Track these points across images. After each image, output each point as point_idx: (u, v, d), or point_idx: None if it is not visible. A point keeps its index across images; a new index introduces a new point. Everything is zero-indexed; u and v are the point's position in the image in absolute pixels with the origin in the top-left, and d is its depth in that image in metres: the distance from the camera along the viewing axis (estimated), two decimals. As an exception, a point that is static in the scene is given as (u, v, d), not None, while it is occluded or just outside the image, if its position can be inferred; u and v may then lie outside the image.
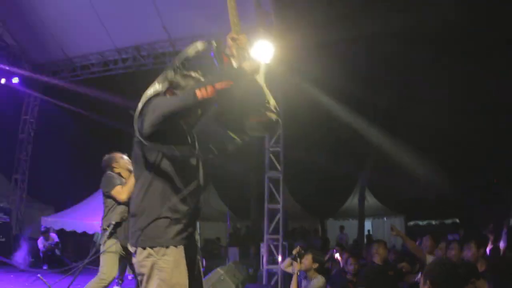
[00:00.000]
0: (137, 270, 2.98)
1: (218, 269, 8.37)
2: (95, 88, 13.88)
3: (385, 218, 24.41)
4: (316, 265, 6.45)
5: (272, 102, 2.94)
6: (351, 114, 16.54)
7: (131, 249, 3.01)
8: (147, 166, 2.95)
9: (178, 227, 2.93)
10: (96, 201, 11.90)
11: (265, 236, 11.11)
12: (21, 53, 14.27)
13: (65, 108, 15.14)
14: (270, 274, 10.97)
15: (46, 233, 13.54)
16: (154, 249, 2.87)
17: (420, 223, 28.21)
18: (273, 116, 2.90)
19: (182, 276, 2.92)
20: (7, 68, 13.51)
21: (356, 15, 14.83)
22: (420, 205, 24.47)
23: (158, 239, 2.89)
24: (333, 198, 25.50)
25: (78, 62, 14.19)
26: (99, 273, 5.35)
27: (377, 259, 6.85)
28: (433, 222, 27.62)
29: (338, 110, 14.78)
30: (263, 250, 11.18)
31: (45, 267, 12.52)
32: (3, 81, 13.88)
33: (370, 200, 23.62)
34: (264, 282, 10.84)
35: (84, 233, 14.10)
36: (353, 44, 15.68)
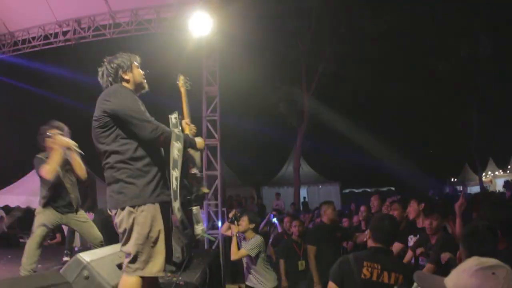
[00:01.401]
0: (119, 228, 3.55)
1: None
2: (37, 61, 13.79)
3: (320, 186, 25.08)
4: (252, 225, 6.85)
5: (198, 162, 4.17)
6: (287, 81, 16.80)
7: (112, 212, 3.61)
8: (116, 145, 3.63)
9: (151, 186, 3.53)
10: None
11: (205, 202, 11.39)
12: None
13: (6, 83, 14.98)
14: (211, 240, 11.26)
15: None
16: (134, 207, 3.47)
17: (356, 190, 29.01)
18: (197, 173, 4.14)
19: (157, 230, 3.51)
20: None
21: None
22: (355, 173, 25.21)
23: (137, 199, 3.45)
24: (268, 166, 25.90)
25: (20, 36, 14.04)
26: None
27: (325, 220, 7.29)
28: (368, 190, 28.41)
29: (274, 77, 14.99)
30: (203, 216, 11.36)
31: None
32: None
33: (305, 168, 24.16)
34: (205, 247, 11.09)
35: (28, 208, 14.05)
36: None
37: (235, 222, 6.85)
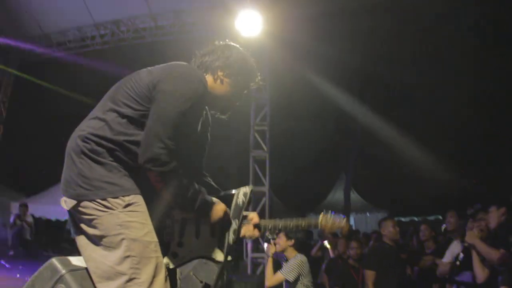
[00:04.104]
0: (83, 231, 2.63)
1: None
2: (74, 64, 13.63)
3: (367, 213, 24.54)
4: (291, 242, 6.17)
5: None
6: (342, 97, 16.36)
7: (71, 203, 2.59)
8: None
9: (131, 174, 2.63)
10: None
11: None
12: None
13: (41, 86, 14.73)
14: (255, 264, 10.70)
15: (23, 206, 12.84)
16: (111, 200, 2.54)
17: (403, 219, 28.45)
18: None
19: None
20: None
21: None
22: (402, 202, 24.54)
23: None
24: (314, 190, 25.45)
25: (55, 38, 13.77)
26: None
27: (386, 239, 6.39)
28: (416, 219, 27.85)
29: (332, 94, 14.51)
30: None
31: (11, 253, 12.04)
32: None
33: (352, 195, 23.65)
34: (249, 272, 10.54)
35: (56, 220, 13.77)
36: (347, 17, 15.45)
37: (272, 241, 6.23)
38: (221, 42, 3.08)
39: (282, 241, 6.12)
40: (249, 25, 10.11)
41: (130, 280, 2.45)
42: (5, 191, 16.54)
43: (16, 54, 14.43)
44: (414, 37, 18.06)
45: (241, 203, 3.02)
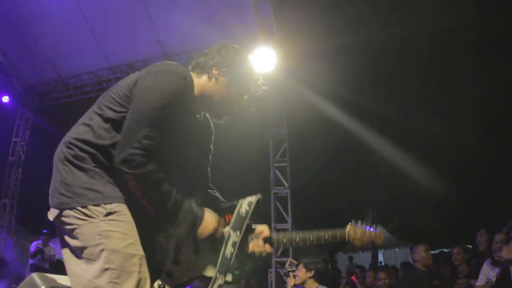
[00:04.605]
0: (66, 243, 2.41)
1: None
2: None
3: (396, 249, 23.82)
4: (311, 273, 5.78)
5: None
6: (357, 131, 16.25)
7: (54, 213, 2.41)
8: None
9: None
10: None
11: (273, 259, 10.37)
12: (12, 71, 14.07)
13: (58, 130, 14.86)
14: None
15: (46, 235, 12.55)
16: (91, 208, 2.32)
17: (433, 251, 27.86)
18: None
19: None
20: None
21: (360, 22, 14.70)
22: (429, 234, 24.05)
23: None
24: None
25: (71, 82, 14.01)
26: None
27: (418, 265, 6.18)
28: (445, 250, 27.30)
29: (346, 126, 14.39)
30: (271, 276, 10.45)
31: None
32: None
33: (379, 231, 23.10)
34: None
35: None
36: (357, 52, 15.46)
37: (290, 273, 5.99)
38: (219, 43, 2.84)
39: (301, 272, 5.78)
40: (263, 62, 10.12)
41: None
42: (26, 235, 16.48)
43: (33, 98, 14.66)
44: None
45: (244, 212, 2.68)
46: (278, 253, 10.37)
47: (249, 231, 2.72)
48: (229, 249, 2.56)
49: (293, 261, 6.15)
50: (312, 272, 5.75)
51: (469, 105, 18.37)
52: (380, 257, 23.00)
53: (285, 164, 11.02)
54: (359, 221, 2.99)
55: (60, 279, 2.98)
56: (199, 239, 2.56)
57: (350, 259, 20.47)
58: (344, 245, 24.48)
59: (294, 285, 5.86)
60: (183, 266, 2.57)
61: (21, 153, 14.93)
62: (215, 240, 2.59)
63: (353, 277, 9.29)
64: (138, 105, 2.39)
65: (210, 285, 2.51)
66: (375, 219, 21.40)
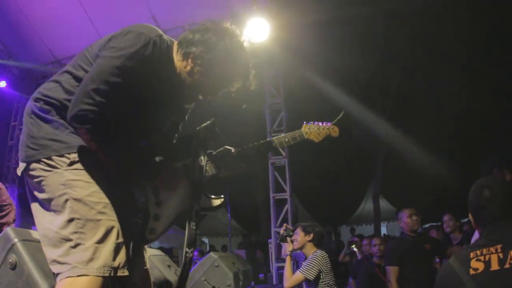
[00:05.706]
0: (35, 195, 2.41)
1: (211, 253, 6.49)
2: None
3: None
4: (310, 237, 5.55)
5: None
6: (357, 108, 16.13)
7: (22, 167, 2.43)
8: None
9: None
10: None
11: (272, 229, 10.45)
12: (8, 55, 14.05)
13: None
14: (281, 274, 10.42)
15: None
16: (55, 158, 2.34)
17: (435, 224, 27.74)
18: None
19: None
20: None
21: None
22: (434, 206, 23.87)
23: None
24: (344, 203, 24.92)
25: (66, 63, 13.90)
26: None
27: (406, 230, 5.87)
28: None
29: (345, 103, 14.31)
30: (271, 246, 10.52)
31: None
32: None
33: (383, 204, 22.87)
34: (274, 282, 10.18)
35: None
36: (356, 23, 15.35)
37: (288, 239, 5.71)
38: (209, 22, 2.59)
39: (300, 236, 5.56)
40: (257, 32, 10.08)
41: (74, 246, 2.18)
42: (23, 216, 16.56)
43: (30, 80, 14.70)
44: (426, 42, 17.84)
45: (202, 135, 2.75)
46: (278, 223, 10.39)
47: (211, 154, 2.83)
48: (197, 176, 2.67)
49: (289, 226, 5.99)
50: (311, 235, 5.54)
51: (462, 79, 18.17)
52: (384, 230, 22.99)
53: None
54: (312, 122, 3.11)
55: (35, 233, 2.93)
56: (170, 175, 2.64)
57: (352, 231, 20.70)
58: (348, 217, 24.65)
59: (293, 250, 5.64)
60: (166, 205, 2.60)
61: (15, 135, 14.95)
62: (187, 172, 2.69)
63: (352, 246, 9.35)
64: (98, 63, 2.35)
65: (189, 213, 2.58)
66: (377, 190, 21.37)
